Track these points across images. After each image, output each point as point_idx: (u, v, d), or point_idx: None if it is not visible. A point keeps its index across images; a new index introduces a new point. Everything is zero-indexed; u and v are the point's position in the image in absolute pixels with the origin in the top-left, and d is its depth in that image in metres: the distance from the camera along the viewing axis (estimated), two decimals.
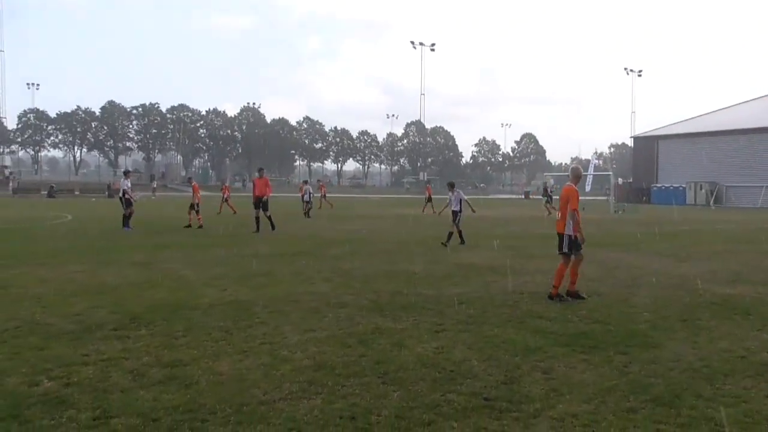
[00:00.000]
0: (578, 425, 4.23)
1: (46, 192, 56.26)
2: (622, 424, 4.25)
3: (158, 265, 11.81)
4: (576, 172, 9.20)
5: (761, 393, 4.91)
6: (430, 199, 33.59)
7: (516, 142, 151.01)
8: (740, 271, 11.84)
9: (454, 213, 16.21)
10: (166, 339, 6.31)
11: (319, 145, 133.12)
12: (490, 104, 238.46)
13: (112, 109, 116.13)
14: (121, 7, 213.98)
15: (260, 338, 6.39)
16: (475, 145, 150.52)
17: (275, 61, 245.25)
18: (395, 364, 5.53)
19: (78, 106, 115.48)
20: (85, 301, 8.19)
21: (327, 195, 38.45)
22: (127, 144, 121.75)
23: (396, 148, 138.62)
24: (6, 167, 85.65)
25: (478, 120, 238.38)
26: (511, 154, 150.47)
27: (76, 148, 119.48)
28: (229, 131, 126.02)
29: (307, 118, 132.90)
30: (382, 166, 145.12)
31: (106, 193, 53.57)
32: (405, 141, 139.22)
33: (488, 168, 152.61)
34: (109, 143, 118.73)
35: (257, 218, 19.39)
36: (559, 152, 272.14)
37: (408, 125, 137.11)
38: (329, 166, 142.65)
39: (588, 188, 59.30)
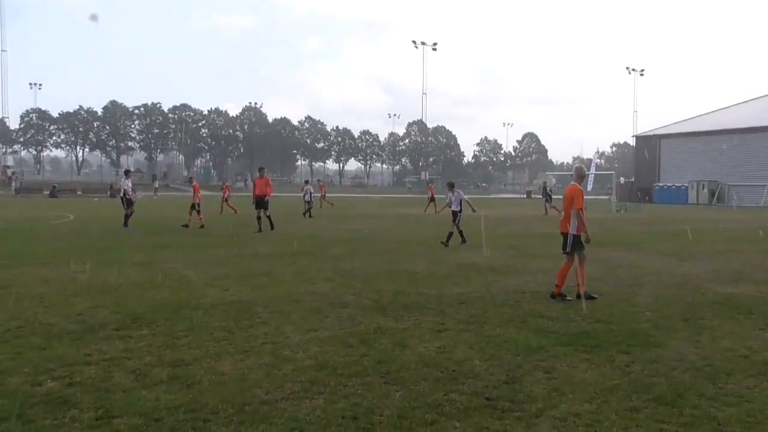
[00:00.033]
0: (580, 425, 4.23)
1: (48, 192, 56.37)
2: (625, 423, 4.25)
3: (160, 265, 11.82)
4: (579, 171, 9.20)
5: (764, 392, 4.91)
6: (432, 199, 33.60)
7: (518, 141, 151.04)
8: (743, 271, 11.82)
9: (454, 213, 16.20)
10: (168, 339, 6.31)
11: (321, 144, 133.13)
12: (492, 104, 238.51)
13: (114, 108, 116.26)
14: (123, 7, 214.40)
15: (262, 338, 6.40)
16: (477, 144, 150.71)
17: (277, 61, 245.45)
18: (397, 364, 5.53)
19: (80, 106, 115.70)
20: (87, 301, 8.20)
21: (327, 195, 38.48)
22: (129, 144, 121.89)
23: (398, 148, 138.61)
24: (8, 167, 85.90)
25: (480, 119, 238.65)
26: (513, 153, 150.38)
27: (78, 147, 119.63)
28: (230, 131, 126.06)
29: (308, 118, 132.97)
30: (384, 166, 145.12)
31: (108, 193, 53.68)
32: (407, 141, 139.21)
33: (490, 167, 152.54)
34: (111, 143, 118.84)
35: (259, 218, 19.38)
36: (561, 152, 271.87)
37: (410, 125, 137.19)
38: (331, 165, 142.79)
39: (590, 188, 59.29)
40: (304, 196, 29.10)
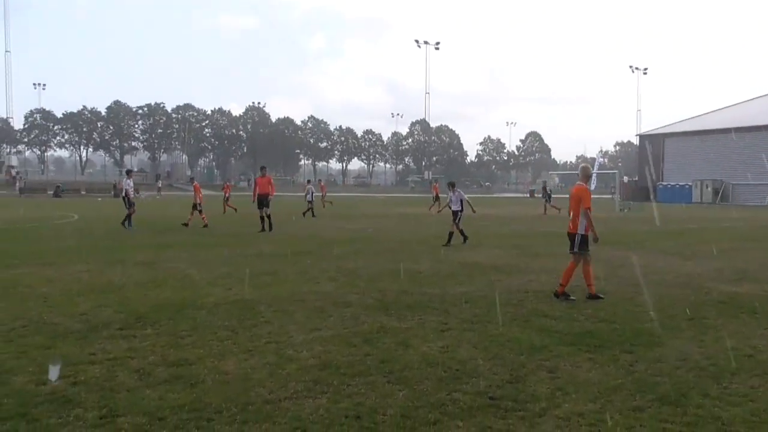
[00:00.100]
0: (584, 424, 4.22)
1: (52, 192, 56.58)
2: (628, 423, 4.24)
3: (163, 264, 11.84)
4: (586, 171, 9.21)
5: None
6: (437, 198, 33.63)
7: (521, 140, 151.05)
8: (746, 269, 11.79)
9: (455, 213, 16.18)
10: (171, 338, 6.33)
11: (324, 144, 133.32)
12: (495, 103, 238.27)
13: (117, 108, 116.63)
14: (126, 7, 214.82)
15: (265, 337, 6.40)
16: (480, 143, 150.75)
17: (279, 61, 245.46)
18: (400, 363, 5.53)
19: (84, 106, 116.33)
20: (91, 300, 8.23)
21: (326, 194, 38.49)
22: (133, 144, 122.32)
23: (401, 147, 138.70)
24: (13, 167, 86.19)
25: (483, 119, 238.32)
26: (516, 152, 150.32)
27: (82, 147, 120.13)
28: (234, 131, 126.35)
29: (311, 118, 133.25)
30: (387, 165, 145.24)
31: (112, 192, 53.78)
32: (410, 140, 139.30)
33: (493, 167, 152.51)
34: (114, 143, 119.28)
35: (262, 218, 19.40)
36: (564, 151, 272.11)
37: (413, 124, 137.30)
38: (334, 165, 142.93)
39: (593, 186, 59.13)
40: (306, 195, 29.18)
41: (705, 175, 60.03)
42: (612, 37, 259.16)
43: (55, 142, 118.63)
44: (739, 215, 34.15)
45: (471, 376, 5.20)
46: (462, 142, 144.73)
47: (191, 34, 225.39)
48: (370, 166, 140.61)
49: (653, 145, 68.24)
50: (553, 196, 33.87)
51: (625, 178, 66.74)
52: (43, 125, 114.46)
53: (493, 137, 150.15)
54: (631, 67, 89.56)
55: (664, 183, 64.20)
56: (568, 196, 9.90)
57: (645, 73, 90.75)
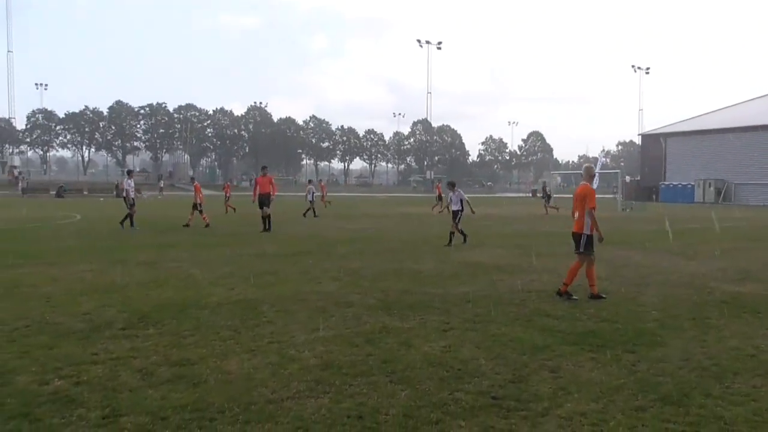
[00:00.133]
0: (586, 424, 4.22)
1: (54, 192, 56.63)
2: (631, 422, 4.24)
3: (166, 264, 11.86)
4: (590, 171, 9.24)
5: None
6: (440, 197, 33.64)
7: (523, 140, 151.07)
8: (749, 269, 11.77)
9: (455, 212, 16.18)
10: (174, 338, 6.34)
11: (326, 144, 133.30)
12: (497, 102, 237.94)
13: (119, 108, 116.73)
14: (127, 6, 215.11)
15: (268, 337, 6.41)
16: (482, 143, 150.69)
17: (281, 60, 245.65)
18: (403, 363, 5.53)
19: (86, 106, 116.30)
20: (93, 300, 8.24)
21: (326, 194, 38.53)
22: (135, 144, 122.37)
23: (403, 147, 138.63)
24: (15, 167, 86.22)
25: (485, 118, 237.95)
26: (518, 152, 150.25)
27: (84, 147, 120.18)
28: (236, 131, 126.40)
29: (313, 117, 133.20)
30: (389, 165, 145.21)
31: (114, 192, 53.83)
32: (412, 139, 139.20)
33: (495, 166, 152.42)
34: (116, 143, 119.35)
35: (264, 218, 19.42)
36: (566, 150, 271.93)
37: (414, 124, 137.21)
38: (336, 165, 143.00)
39: (595, 186, 59.07)
40: (307, 195, 29.23)
41: (707, 175, 59.92)
42: (614, 37, 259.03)
43: (58, 142, 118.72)
44: (741, 215, 34.09)
45: (473, 376, 5.20)
46: (464, 141, 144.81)
47: (192, 34, 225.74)
48: (372, 165, 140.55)
49: (655, 144, 68.15)
50: (553, 196, 33.84)
51: (628, 178, 66.68)
52: (45, 125, 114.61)
53: (495, 137, 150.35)
54: (633, 66, 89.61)
55: (666, 182, 64.12)
56: (571, 195, 9.89)
57: (647, 73, 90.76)
